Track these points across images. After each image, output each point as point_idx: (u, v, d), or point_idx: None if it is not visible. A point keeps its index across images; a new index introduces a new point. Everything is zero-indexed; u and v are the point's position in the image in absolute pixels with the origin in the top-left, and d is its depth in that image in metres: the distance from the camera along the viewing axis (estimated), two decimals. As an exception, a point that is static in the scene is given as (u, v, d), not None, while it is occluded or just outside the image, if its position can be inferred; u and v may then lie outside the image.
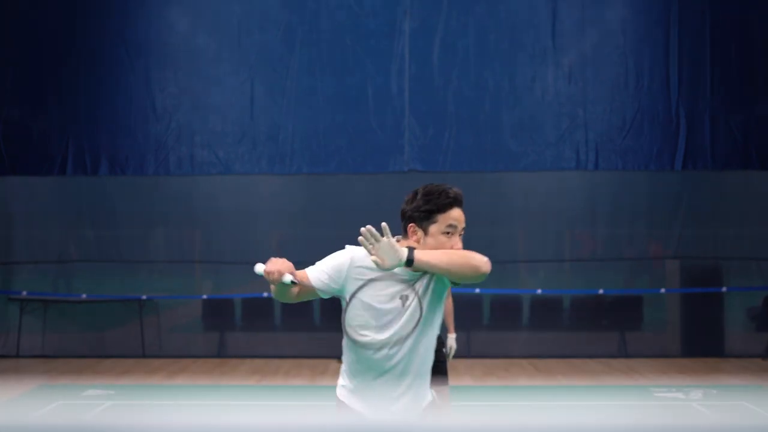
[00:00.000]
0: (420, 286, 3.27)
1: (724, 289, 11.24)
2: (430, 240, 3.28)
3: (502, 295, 11.61)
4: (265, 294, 11.40)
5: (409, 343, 3.25)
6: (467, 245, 3.39)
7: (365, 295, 3.27)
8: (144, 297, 11.34)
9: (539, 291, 11.32)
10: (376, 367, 3.28)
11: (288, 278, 3.21)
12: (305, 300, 3.47)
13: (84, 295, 11.34)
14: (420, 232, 3.30)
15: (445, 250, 3.25)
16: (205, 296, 11.59)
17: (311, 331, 11.61)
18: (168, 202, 11.67)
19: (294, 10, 10.77)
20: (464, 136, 10.63)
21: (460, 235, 3.31)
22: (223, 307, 11.61)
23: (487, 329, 11.69)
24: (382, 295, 3.26)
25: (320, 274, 3.37)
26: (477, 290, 11.31)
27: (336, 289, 3.35)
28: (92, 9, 10.89)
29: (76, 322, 11.65)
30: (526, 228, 11.96)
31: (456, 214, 3.29)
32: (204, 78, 10.84)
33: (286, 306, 11.64)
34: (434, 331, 3.34)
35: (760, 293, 11.47)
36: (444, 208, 3.27)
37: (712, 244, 11.51)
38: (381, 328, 3.25)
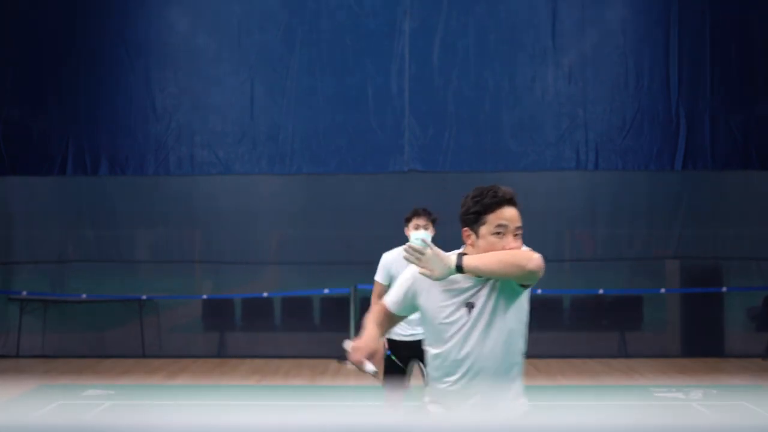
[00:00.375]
0: (485, 291, 3.19)
1: (724, 289, 11.24)
2: (482, 242, 3.19)
3: (502, 295, 11.60)
4: (265, 294, 11.41)
5: (477, 349, 3.18)
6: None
7: (432, 308, 3.24)
8: (144, 297, 11.34)
9: (539, 291, 11.31)
10: (449, 375, 3.22)
11: (370, 370, 3.19)
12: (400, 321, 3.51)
13: (84, 295, 11.34)
14: (473, 236, 3.22)
15: (495, 251, 3.15)
16: (205, 296, 11.59)
17: (311, 331, 11.61)
18: (168, 202, 11.67)
19: (294, 10, 10.76)
20: (464, 136, 10.63)
21: (515, 234, 3.20)
22: (223, 307, 11.61)
23: (487, 329, 11.67)
24: (447, 305, 3.21)
25: (395, 297, 3.37)
26: (477, 290, 11.31)
27: (412, 306, 3.33)
28: (92, 9, 10.89)
29: (76, 322, 11.65)
30: (526, 228, 11.92)
31: (506, 214, 3.20)
32: (204, 78, 10.84)
33: (286, 306, 11.64)
34: (510, 335, 3.20)
35: (760, 293, 11.47)
36: (491, 207, 3.19)
37: (712, 244, 11.51)
38: (449, 338, 3.21)
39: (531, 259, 3.10)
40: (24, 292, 11.40)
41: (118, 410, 7.88)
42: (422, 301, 3.26)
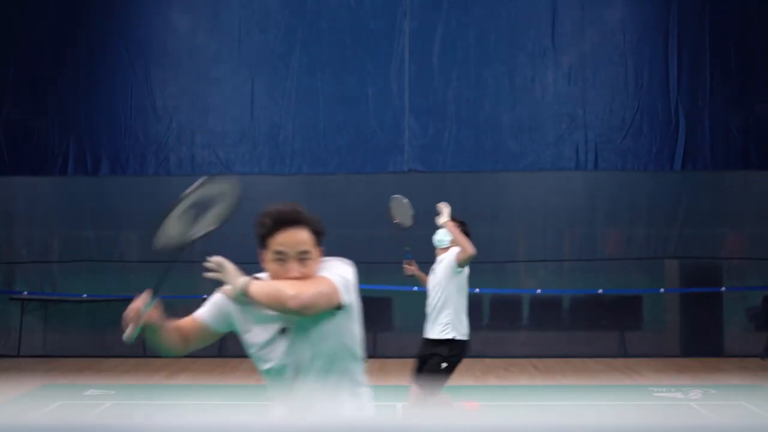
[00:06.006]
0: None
1: (723, 289, 11.26)
2: (268, 269, 2.94)
3: (502, 295, 11.62)
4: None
5: (300, 371, 2.89)
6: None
7: (246, 331, 3.01)
8: (144, 297, 11.35)
9: (539, 291, 11.33)
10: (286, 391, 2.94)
11: (127, 336, 2.93)
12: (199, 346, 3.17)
13: (84, 295, 11.35)
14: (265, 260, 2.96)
15: (273, 281, 2.88)
16: (205, 296, 11.57)
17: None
18: (168, 202, 11.67)
19: (294, 10, 10.78)
20: (464, 136, 10.64)
21: (300, 260, 2.87)
22: (223, 307, 11.62)
23: (487, 329, 11.70)
24: (262, 330, 2.94)
25: (204, 310, 3.14)
26: (477, 290, 11.31)
27: (227, 323, 3.07)
28: (92, 9, 10.90)
29: (77, 322, 11.67)
30: (526, 228, 11.97)
31: (281, 239, 2.87)
32: (204, 78, 10.85)
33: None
34: (331, 355, 2.90)
35: (760, 293, 11.48)
36: (269, 232, 2.90)
37: (712, 244, 11.53)
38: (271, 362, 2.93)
39: (293, 296, 2.73)
40: (25, 292, 11.41)
41: (118, 410, 7.89)
42: (236, 321, 3.00)
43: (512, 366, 10.46)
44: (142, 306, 2.96)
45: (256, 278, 2.91)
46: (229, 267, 2.91)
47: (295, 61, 10.72)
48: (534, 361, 10.74)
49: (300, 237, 2.90)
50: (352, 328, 2.97)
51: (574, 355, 10.98)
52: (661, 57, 10.65)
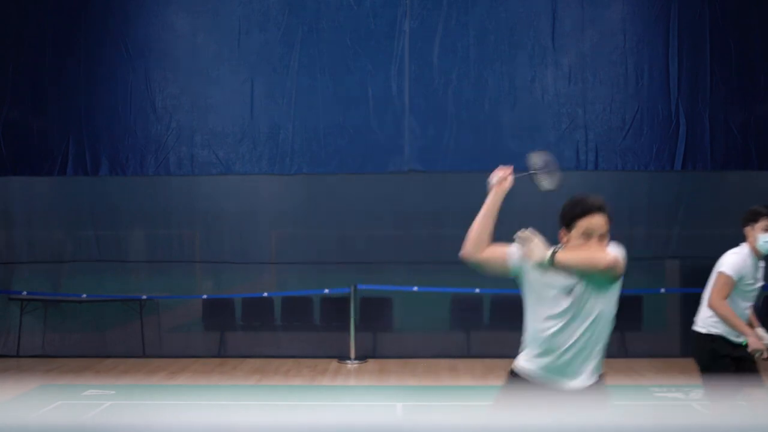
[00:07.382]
0: (580, 285, 3.83)
1: (723, 289, 11.22)
2: (572, 242, 3.88)
3: (502, 295, 11.60)
4: (265, 294, 11.41)
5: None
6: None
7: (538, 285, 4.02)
8: (144, 297, 11.35)
9: (539, 291, 11.30)
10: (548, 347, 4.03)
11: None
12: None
13: (84, 295, 11.35)
14: (567, 236, 3.93)
15: (579, 251, 3.78)
16: (205, 296, 11.60)
17: (311, 331, 11.61)
18: (168, 202, 11.69)
19: (294, 10, 10.77)
20: (464, 136, 10.64)
21: (600, 236, 3.79)
22: (223, 307, 11.62)
23: (487, 329, 11.69)
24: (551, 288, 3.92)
25: (513, 250, 4.12)
26: (477, 290, 11.31)
27: (517, 269, 4.08)
28: (92, 9, 10.90)
29: (77, 322, 11.65)
30: (526, 228, 11.95)
31: (590, 221, 3.82)
32: (204, 78, 10.84)
33: (286, 306, 11.65)
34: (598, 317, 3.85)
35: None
36: (581, 215, 3.86)
37: (712, 244, 11.49)
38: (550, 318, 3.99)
39: (602, 257, 3.69)
40: (24, 292, 11.41)
41: (118, 410, 7.89)
42: (527, 276, 4.00)
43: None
44: (508, 173, 4.09)
45: (556, 251, 3.81)
46: (537, 239, 3.86)
47: (295, 61, 10.71)
48: (534, 361, 10.71)
49: (603, 221, 3.83)
50: (615, 299, 3.88)
51: (574, 355, 10.96)
52: (661, 57, 10.65)
